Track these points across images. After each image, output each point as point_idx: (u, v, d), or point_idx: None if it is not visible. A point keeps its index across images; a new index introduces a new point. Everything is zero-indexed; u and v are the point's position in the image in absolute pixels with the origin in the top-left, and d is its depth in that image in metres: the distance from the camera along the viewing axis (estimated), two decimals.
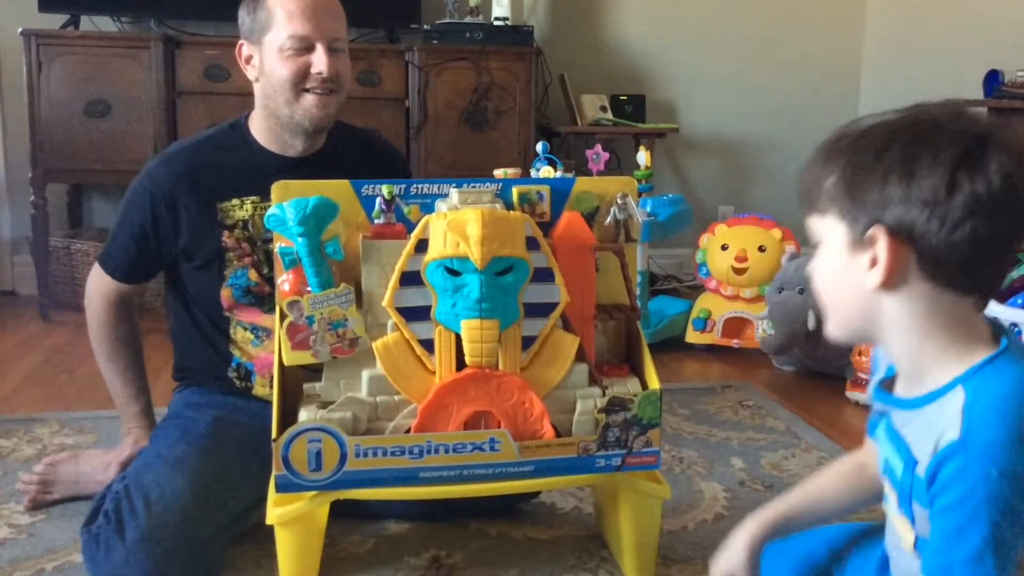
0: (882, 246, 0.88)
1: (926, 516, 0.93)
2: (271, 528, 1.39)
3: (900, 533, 1.02)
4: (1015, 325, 2.15)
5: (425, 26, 3.54)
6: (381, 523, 1.72)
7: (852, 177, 0.89)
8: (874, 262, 0.89)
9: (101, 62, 3.21)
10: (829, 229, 0.93)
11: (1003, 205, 0.84)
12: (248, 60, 1.67)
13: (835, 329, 0.99)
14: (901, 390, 1.01)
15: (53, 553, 1.60)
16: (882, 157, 0.88)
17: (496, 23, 3.57)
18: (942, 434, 0.89)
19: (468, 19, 3.59)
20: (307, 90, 1.63)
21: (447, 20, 3.59)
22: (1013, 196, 0.84)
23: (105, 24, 3.44)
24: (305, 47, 1.61)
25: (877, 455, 1.09)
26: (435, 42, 3.48)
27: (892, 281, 0.89)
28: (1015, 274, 2.32)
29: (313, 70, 1.62)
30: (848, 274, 0.92)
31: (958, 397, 0.89)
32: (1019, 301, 2.19)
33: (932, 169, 0.85)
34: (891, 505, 1.03)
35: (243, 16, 1.66)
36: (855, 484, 1.18)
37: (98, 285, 1.74)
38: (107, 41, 3.28)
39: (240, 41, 1.67)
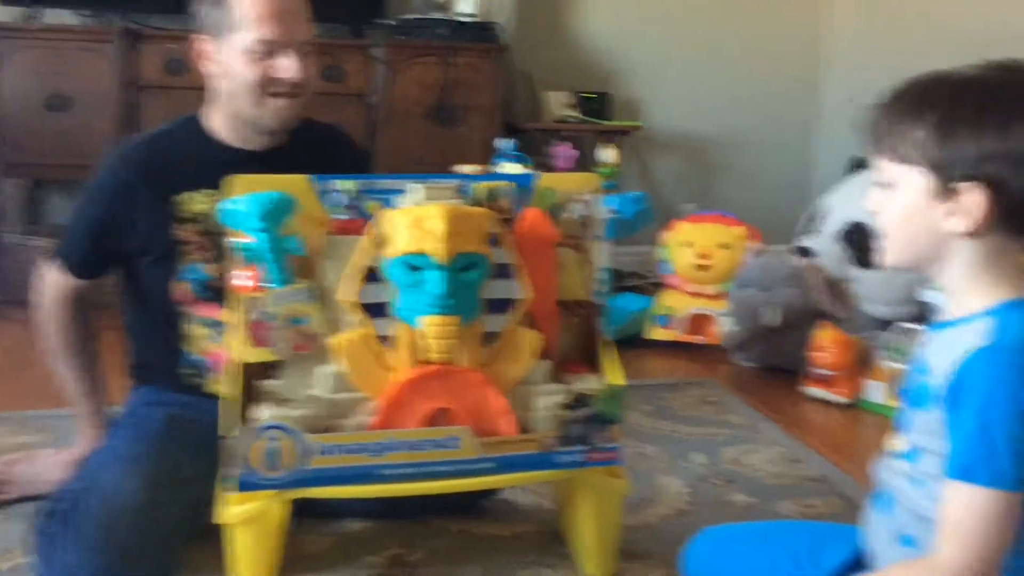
0: (973, 198, 0.96)
1: (925, 421, 1.01)
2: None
3: (893, 446, 1.10)
4: None
5: (390, 21, 3.52)
6: (340, 521, 1.72)
7: (946, 132, 0.97)
8: (958, 211, 0.97)
9: (61, 56, 3.17)
10: (909, 175, 1.01)
11: None
12: (206, 55, 1.63)
13: (894, 258, 1.08)
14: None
15: (8, 553, 1.58)
16: (979, 115, 0.96)
17: (462, 19, 3.57)
18: (965, 348, 0.97)
19: (434, 15, 3.58)
20: (275, 94, 1.60)
21: (412, 16, 3.58)
22: None
23: (66, 17, 3.39)
24: (274, 50, 1.58)
25: None
26: (400, 38, 3.47)
27: (973, 231, 0.98)
28: None
29: (284, 75, 1.58)
30: (926, 217, 1.01)
31: (985, 322, 0.98)
32: None
33: None
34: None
35: (202, 9, 1.61)
36: None
37: (52, 281, 1.71)
38: (67, 34, 3.24)
39: (197, 35, 1.63)
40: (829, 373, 2.52)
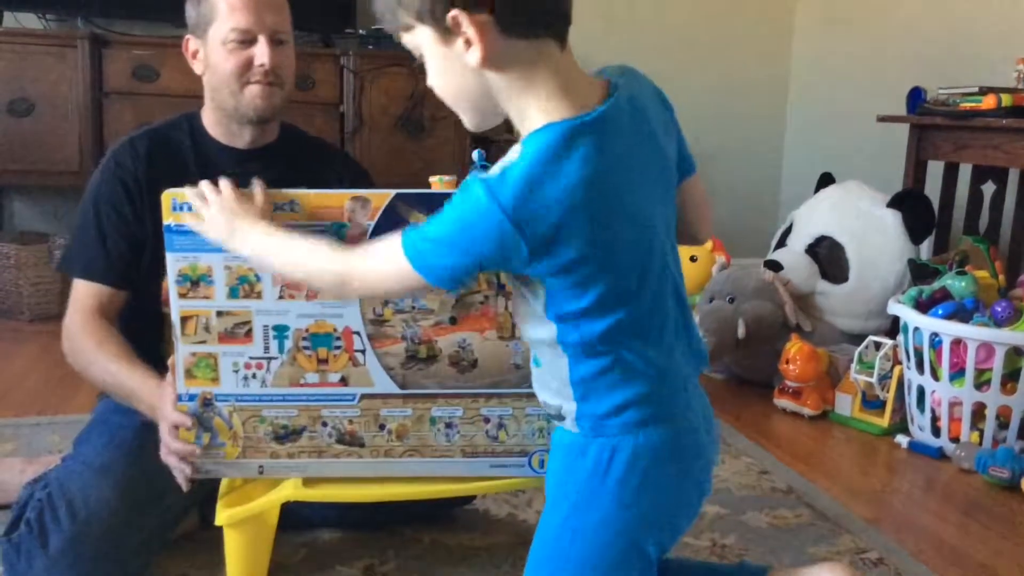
0: (465, 25, 0.96)
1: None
2: (200, 539, 1.36)
3: None
4: None
5: (360, 31, 3.52)
6: (313, 532, 1.70)
7: None
8: (468, 43, 0.98)
9: (25, 60, 3.13)
10: (419, 36, 1.02)
11: None
12: (194, 55, 1.65)
13: (469, 121, 1.09)
14: None
15: None
16: None
17: None
18: None
19: None
20: (251, 82, 1.61)
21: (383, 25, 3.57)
22: None
23: (29, 21, 3.35)
24: (247, 40, 1.59)
25: None
26: (371, 47, 3.46)
27: (488, 51, 0.98)
28: (936, 284, 2.39)
29: (255, 62, 1.60)
30: (454, 65, 1.01)
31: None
32: (939, 312, 2.26)
33: None
34: None
35: (189, 10, 1.64)
36: None
37: (84, 305, 1.58)
38: (32, 39, 3.20)
39: (187, 36, 1.65)
40: (798, 385, 2.54)
